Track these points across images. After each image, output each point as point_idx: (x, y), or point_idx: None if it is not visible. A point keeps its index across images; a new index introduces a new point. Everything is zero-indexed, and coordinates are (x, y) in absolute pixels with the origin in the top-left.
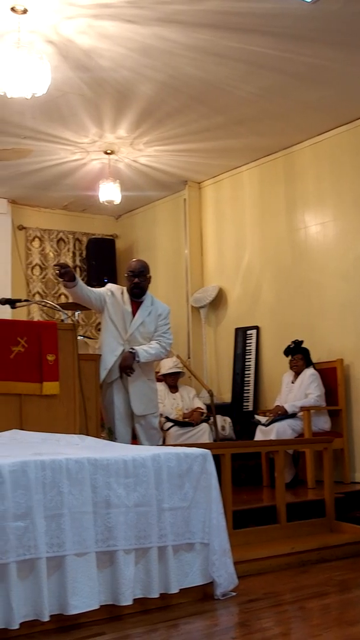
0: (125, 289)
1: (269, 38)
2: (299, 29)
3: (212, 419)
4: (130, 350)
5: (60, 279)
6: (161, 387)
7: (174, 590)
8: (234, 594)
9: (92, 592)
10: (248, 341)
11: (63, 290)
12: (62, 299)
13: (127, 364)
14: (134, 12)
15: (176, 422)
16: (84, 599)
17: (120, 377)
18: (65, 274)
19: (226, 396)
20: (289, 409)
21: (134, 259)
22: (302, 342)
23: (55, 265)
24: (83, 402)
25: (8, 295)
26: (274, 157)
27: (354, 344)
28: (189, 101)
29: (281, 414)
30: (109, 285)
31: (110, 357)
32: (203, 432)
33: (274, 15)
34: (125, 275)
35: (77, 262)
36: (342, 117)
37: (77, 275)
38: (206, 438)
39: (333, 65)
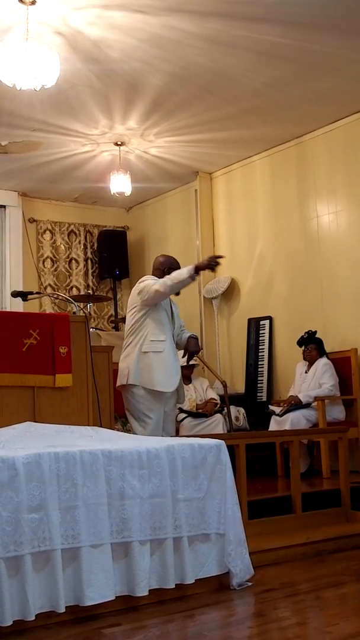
0: None
1: (279, 27)
2: (309, 17)
3: (225, 409)
4: (194, 336)
5: (203, 270)
6: None
7: (190, 580)
8: (250, 584)
9: (107, 584)
10: (261, 332)
11: (74, 282)
12: (74, 292)
13: (198, 350)
14: (143, 2)
15: (190, 413)
16: (100, 590)
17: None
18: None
19: (239, 387)
20: (303, 399)
21: (165, 255)
22: (315, 332)
23: (219, 256)
24: (96, 393)
25: (20, 288)
26: (286, 146)
27: None
28: (199, 91)
29: (295, 404)
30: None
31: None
32: (217, 423)
33: (284, 3)
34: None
35: (89, 255)
36: (354, 106)
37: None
38: (220, 429)
39: (344, 53)
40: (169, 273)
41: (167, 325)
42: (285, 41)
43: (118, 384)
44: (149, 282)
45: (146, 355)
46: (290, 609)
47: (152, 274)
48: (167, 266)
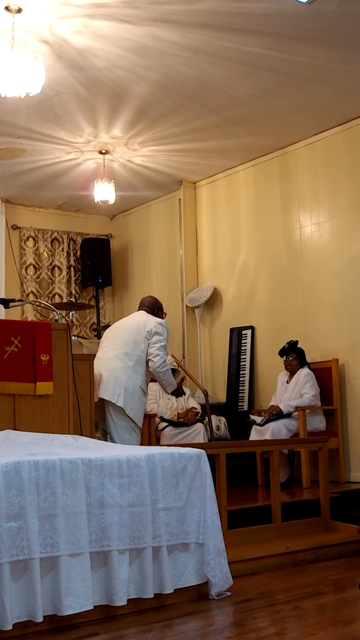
0: None
1: (264, 38)
2: (294, 29)
3: (206, 418)
4: None
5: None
6: (155, 387)
7: (169, 590)
8: (228, 593)
9: (86, 593)
10: (243, 341)
11: (57, 290)
12: (56, 299)
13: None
14: (129, 12)
15: (171, 422)
16: (78, 599)
17: None
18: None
19: (221, 396)
20: (284, 408)
21: (153, 296)
22: (296, 342)
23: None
24: (77, 402)
25: (2, 295)
26: (269, 157)
27: (348, 343)
28: (184, 101)
29: (276, 414)
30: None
31: None
32: (198, 432)
33: (269, 15)
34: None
35: (72, 262)
36: (337, 118)
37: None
38: (201, 438)
39: (328, 65)
40: (158, 313)
41: None
42: (269, 52)
43: (109, 397)
44: (163, 355)
45: (142, 392)
46: (268, 619)
47: (139, 310)
48: (157, 307)
